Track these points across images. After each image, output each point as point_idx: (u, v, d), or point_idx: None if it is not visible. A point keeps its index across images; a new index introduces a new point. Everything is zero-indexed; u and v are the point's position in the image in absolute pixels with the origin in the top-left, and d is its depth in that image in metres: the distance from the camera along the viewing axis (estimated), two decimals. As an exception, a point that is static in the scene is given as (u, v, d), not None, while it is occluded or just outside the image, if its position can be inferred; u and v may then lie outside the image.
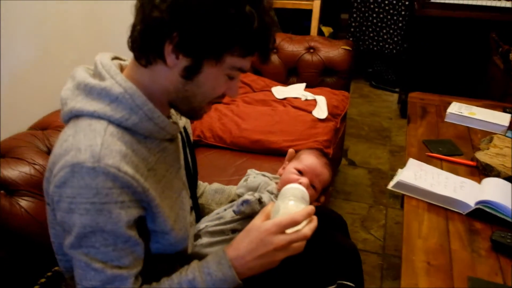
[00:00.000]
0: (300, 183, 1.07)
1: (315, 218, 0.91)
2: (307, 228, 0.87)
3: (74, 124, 0.81)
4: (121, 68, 0.89)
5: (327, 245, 1.16)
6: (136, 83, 0.83)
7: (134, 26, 0.81)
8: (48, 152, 1.23)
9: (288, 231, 0.86)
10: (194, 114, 0.91)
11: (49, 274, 1.07)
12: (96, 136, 0.77)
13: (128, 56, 0.88)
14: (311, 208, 0.89)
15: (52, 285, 1.06)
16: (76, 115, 0.82)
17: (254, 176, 1.20)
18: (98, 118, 0.80)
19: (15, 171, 1.13)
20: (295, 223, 0.85)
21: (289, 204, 0.91)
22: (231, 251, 0.88)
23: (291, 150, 1.25)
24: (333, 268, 1.11)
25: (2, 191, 1.09)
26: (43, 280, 1.06)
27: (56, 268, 1.09)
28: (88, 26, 1.75)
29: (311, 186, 1.14)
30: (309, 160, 1.17)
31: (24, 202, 1.11)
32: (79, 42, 1.70)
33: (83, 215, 0.76)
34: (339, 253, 1.15)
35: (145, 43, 0.80)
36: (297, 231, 0.86)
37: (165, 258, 0.93)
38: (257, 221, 0.89)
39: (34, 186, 1.13)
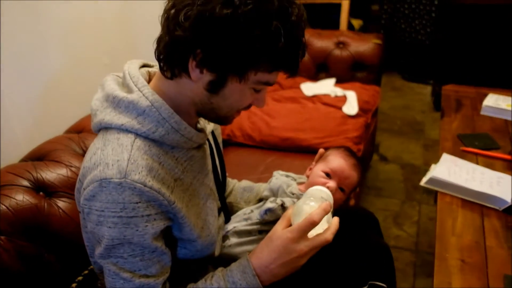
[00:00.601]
0: (328, 187, 1.05)
1: (336, 221, 0.90)
2: (329, 233, 0.87)
3: (103, 137, 0.84)
4: (149, 76, 0.91)
5: (359, 244, 1.14)
6: (162, 95, 0.84)
7: (159, 39, 0.81)
8: (84, 154, 1.28)
9: (310, 233, 0.87)
10: (222, 121, 0.92)
11: (86, 272, 1.12)
12: (124, 151, 0.79)
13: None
14: (326, 204, 0.88)
15: (88, 283, 1.10)
16: (105, 127, 0.85)
17: (276, 178, 1.19)
18: (126, 131, 0.82)
19: (53, 174, 1.18)
20: (313, 224, 0.85)
21: (310, 205, 0.90)
22: (254, 260, 0.88)
23: (321, 150, 1.22)
24: (364, 268, 1.09)
25: (41, 193, 1.14)
26: (80, 278, 1.11)
27: (92, 267, 1.13)
28: (121, 31, 1.80)
29: (339, 189, 1.11)
30: (337, 162, 1.13)
31: (61, 203, 1.15)
32: (112, 46, 1.74)
33: (111, 228, 0.79)
34: (371, 253, 1.13)
35: (169, 57, 0.80)
36: (318, 235, 0.87)
37: (192, 261, 0.95)
38: (278, 227, 0.89)
39: (71, 188, 1.17)
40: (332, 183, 1.09)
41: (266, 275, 0.88)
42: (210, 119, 0.92)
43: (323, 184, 1.07)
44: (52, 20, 1.43)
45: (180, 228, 0.87)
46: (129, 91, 0.84)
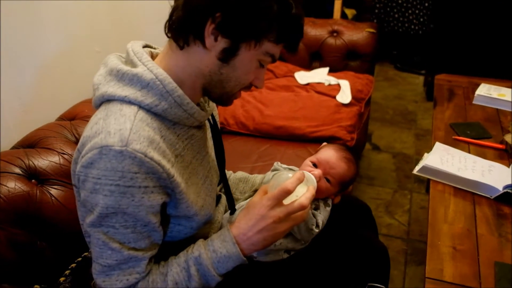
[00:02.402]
0: (313, 175, 1.06)
1: (311, 188, 0.93)
2: (303, 197, 0.90)
3: (105, 108, 0.83)
4: (152, 56, 0.91)
5: (358, 246, 1.17)
6: (168, 70, 0.85)
7: (176, 6, 0.83)
8: (76, 142, 1.27)
9: (286, 201, 0.89)
10: (225, 99, 0.92)
11: (79, 259, 1.11)
12: (126, 121, 0.79)
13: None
14: (300, 173, 0.91)
15: (81, 271, 1.09)
16: (108, 100, 0.84)
17: (283, 173, 1.20)
18: (129, 103, 0.82)
19: (45, 161, 1.17)
20: (287, 192, 0.87)
21: (287, 176, 0.93)
22: (234, 229, 0.91)
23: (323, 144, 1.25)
24: (364, 270, 1.11)
25: (33, 180, 1.13)
26: (73, 265, 1.10)
27: (86, 254, 1.13)
28: (114, 18, 1.77)
29: (325, 178, 1.12)
30: (325, 153, 1.15)
31: (54, 191, 1.14)
32: (104, 34, 1.72)
33: (107, 196, 0.78)
34: (370, 255, 1.15)
35: (187, 22, 0.81)
36: (293, 201, 0.89)
37: (186, 240, 0.95)
38: (255, 197, 0.92)
39: (63, 175, 1.17)
40: (316, 171, 1.11)
41: (245, 243, 0.90)
42: (215, 95, 0.92)
43: (309, 172, 1.08)
44: (44, 6, 1.41)
45: (177, 204, 0.88)
46: (133, 65, 0.85)
